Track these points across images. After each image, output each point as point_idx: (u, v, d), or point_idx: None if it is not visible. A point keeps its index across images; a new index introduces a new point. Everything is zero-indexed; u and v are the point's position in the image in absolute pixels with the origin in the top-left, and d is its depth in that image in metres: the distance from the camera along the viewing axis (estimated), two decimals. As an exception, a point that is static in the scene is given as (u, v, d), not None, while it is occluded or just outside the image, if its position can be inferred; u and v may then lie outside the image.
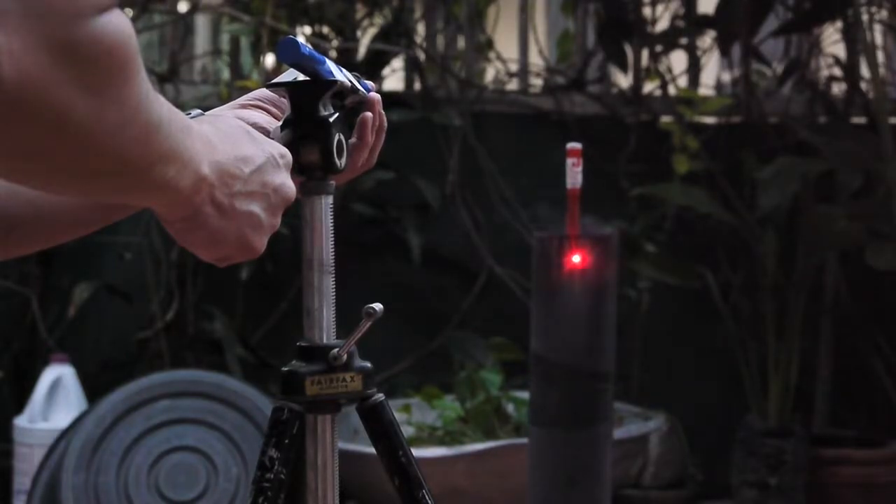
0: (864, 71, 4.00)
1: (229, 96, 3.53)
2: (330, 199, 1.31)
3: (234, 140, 1.11)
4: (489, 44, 4.20)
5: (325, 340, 1.31)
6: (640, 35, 4.15)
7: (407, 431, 3.45)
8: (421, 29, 4.17)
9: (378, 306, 1.28)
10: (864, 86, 4.08)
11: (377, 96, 1.34)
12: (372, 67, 3.93)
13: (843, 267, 4.00)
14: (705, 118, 4.11)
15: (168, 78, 3.91)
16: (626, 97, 4.14)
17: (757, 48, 4.11)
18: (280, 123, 1.29)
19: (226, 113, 1.30)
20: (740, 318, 3.92)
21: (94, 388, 3.53)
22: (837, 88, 4.18)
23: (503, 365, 3.71)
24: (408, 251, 3.89)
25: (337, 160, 1.28)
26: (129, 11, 3.81)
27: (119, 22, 0.84)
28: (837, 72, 4.17)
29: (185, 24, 4.05)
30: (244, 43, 4.06)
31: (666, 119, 4.08)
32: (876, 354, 4.05)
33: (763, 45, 4.13)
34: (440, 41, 4.18)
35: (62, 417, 3.46)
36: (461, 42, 4.19)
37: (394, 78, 4.27)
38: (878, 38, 4.17)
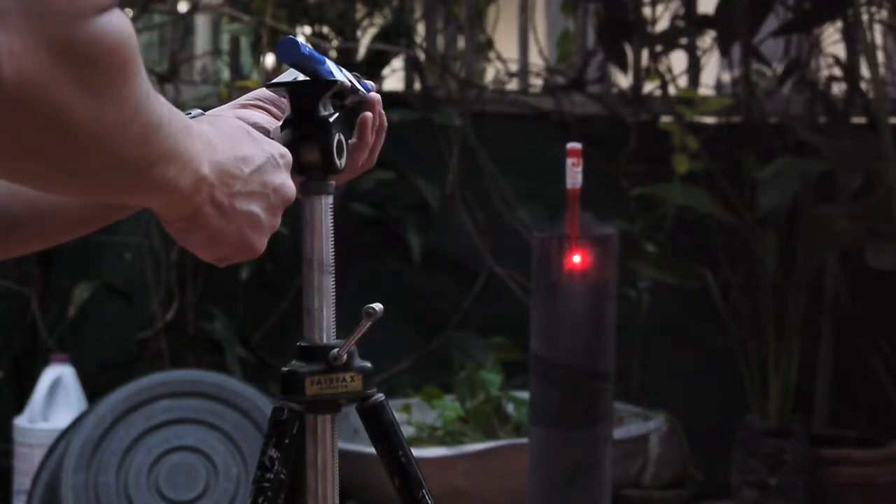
0: (864, 71, 4.00)
1: (229, 96, 3.53)
2: (330, 199, 1.31)
3: (234, 140, 1.11)
4: (489, 44, 4.20)
5: (325, 340, 1.31)
6: (640, 35, 4.15)
7: (407, 431, 3.45)
8: (421, 29, 4.17)
9: (378, 306, 1.28)
10: (864, 86, 4.08)
11: (377, 96, 1.34)
12: (372, 67, 3.93)
13: (843, 267, 4.00)
14: (705, 118, 4.11)
15: (168, 78, 3.91)
16: (626, 97, 4.14)
17: (757, 48, 4.11)
18: (280, 123, 1.29)
19: (226, 113, 1.30)
20: (740, 318, 3.92)
21: (94, 388, 3.53)
22: (837, 88, 4.18)
23: (503, 365, 3.71)
24: (408, 251, 3.89)
25: (337, 160, 1.28)
26: (129, 11, 3.80)
27: (119, 22, 0.84)
28: (837, 72, 4.17)
29: (185, 24, 4.05)
30: (244, 43, 4.06)
31: (666, 119, 4.08)
32: (876, 354, 4.05)
33: (763, 45, 4.13)
34: (440, 41, 4.18)
35: (62, 417, 3.46)
36: (461, 42, 4.19)
37: (394, 78, 4.27)
38: (878, 38, 4.17)
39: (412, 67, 4.11)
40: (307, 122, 1.28)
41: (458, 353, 3.82)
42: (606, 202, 3.72)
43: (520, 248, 3.72)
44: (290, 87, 1.29)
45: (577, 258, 2.67)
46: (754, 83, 4.15)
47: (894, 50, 4.45)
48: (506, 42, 4.26)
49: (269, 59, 3.89)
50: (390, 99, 3.06)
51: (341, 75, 1.29)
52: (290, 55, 1.24)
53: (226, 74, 4.12)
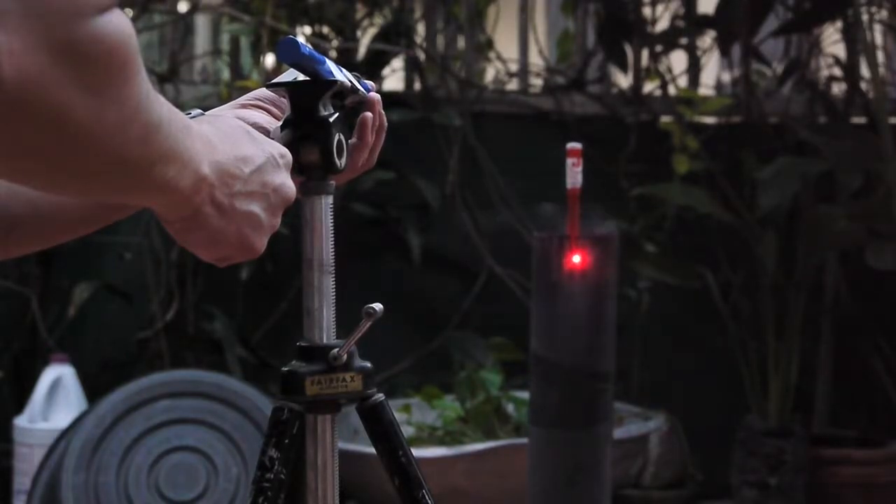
0: (864, 71, 4.00)
1: (229, 96, 3.53)
2: (330, 199, 1.31)
3: (234, 140, 1.11)
4: (489, 44, 4.20)
5: (325, 340, 1.31)
6: (640, 35, 4.15)
7: (407, 431, 3.45)
8: (421, 29, 4.17)
9: (378, 306, 1.28)
10: (864, 86, 4.08)
11: (377, 96, 1.34)
12: (372, 67, 3.93)
13: (843, 267, 4.00)
14: (705, 118, 4.11)
15: (168, 78, 3.91)
16: (626, 97, 4.14)
17: (757, 48, 4.11)
18: (280, 123, 1.29)
19: (226, 113, 1.30)
20: (740, 318, 3.92)
21: (94, 388, 3.53)
22: (837, 88, 4.18)
23: (503, 365, 3.71)
24: (408, 251, 3.89)
25: (337, 160, 1.28)
26: (129, 11, 3.80)
27: (119, 22, 0.84)
28: (837, 72, 4.17)
29: (185, 24, 4.04)
30: (244, 43, 4.05)
31: (666, 119, 4.08)
32: (876, 354, 4.05)
33: (763, 45, 4.13)
34: (440, 41, 4.18)
35: (62, 417, 3.46)
36: (461, 42, 4.19)
37: (394, 78, 4.27)
38: (878, 38, 4.17)
39: (412, 67, 4.11)
40: (307, 122, 1.28)
41: (458, 353, 3.82)
42: (606, 202, 3.72)
43: (520, 248, 3.72)
44: (290, 87, 1.29)
45: (577, 258, 2.66)
46: (754, 83, 4.15)
47: (894, 50, 4.45)
48: (506, 42, 4.26)
49: (269, 59, 3.89)
50: (390, 99, 3.07)
51: (341, 75, 1.29)
52: (290, 55, 1.24)
53: (226, 74, 4.12)
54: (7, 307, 3.82)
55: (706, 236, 3.93)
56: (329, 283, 1.31)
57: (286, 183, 1.16)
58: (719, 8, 4.03)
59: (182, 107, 1.04)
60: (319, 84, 1.27)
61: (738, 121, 4.11)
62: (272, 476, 1.28)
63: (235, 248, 1.13)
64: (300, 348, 1.32)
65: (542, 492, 2.74)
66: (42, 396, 3.52)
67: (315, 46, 1.84)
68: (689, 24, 4.14)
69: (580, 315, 2.70)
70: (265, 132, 1.24)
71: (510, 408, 3.64)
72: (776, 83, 4.21)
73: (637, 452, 3.56)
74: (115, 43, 0.84)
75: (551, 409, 2.74)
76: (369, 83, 1.35)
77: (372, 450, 1.33)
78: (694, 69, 4.20)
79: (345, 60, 3.83)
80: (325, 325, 1.31)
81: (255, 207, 1.12)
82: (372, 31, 4.09)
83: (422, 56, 4.09)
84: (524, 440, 2.98)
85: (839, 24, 4.11)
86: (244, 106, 1.34)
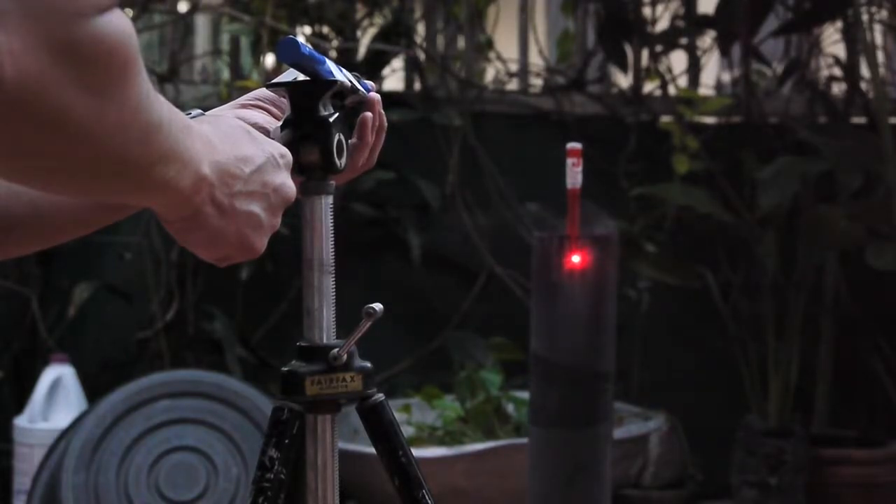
0: (864, 71, 4.00)
1: (229, 96, 3.53)
2: (330, 199, 1.31)
3: (234, 140, 1.11)
4: (489, 44, 4.20)
5: (325, 340, 1.31)
6: (640, 35, 4.15)
7: (407, 431, 3.45)
8: (421, 29, 4.17)
9: (378, 306, 1.28)
10: (864, 86, 4.08)
11: (377, 96, 1.34)
12: (372, 67, 3.93)
13: (843, 267, 4.00)
14: (705, 118, 4.11)
15: (168, 78, 3.91)
16: (626, 97, 4.14)
17: (757, 48, 4.11)
18: (280, 123, 1.29)
19: (226, 113, 1.30)
20: (740, 318, 3.92)
21: (94, 388, 3.53)
22: (837, 88, 4.18)
23: (503, 365, 3.71)
24: (408, 251, 3.89)
25: (337, 160, 1.28)
26: (129, 11, 3.80)
27: (119, 22, 0.84)
28: (837, 72, 4.17)
29: (185, 24, 4.04)
30: (244, 43, 4.05)
31: (666, 119, 4.08)
32: (876, 354, 4.05)
33: (763, 45, 4.13)
34: (440, 41, 4.18)
35: (62, 417, 3.46)
36: (461, 42, 4.19)
37: (394, 78, 4.27)
38: (878, 38, 4.17)
39: (412, 67, 4.11)
40: (307, 122, 1.28)
41: (458, 353, 3.82)
42: (606, 202, 3.72)
43: (520, 248, 3.72)
44: (290, 87, 1.29)
45: (576, 258, 2.66)
46: (754, 83, 4.15)
47: (894, 50, 4.45)
48: (506, 42, 4.26)
49: (269, 59, 3.89)
50: (390, 99, 3.07)
51: (341, 75, 1.29)
52: (290, 55, 1.24)
53: (226, 74, 4.12)
54: (7, 307, 3.82)
55: (706, 236, 3.93)
56: (329, 283, 1.31)
57: (286, 183, 1.16)
58: (719, 8, 4.03)
59: (182, 107, 1.04)
60: (319, 84, 1.27)
61: (738, 121, 4.11)
62: (272, 476, 1.28)
63: (235, 248, 1.13)
64: (300, 348, 1.32)
65: (542, 492, 2.74)
66: (42, 396, 3.52)
67: (315, 46, 1.84)
68: (689, 24, 4.14)
69: (580, 315, 2.70)
70: (265, 132, 1.24)
71: (510, 408, 3.64)
72: (776, 83, 4.21)
73: (637, 452, 3.56)
74: (115, 43, 0.84)
75: (551, 409, 2.74)
76: (369, 83, 1.35)
77: (372, 450, 1.33)
78: (694, 69, 4.20)
79: (345, 60, 3.83)
80: (325, 325, 1.31)
81: (256, 207, 1.12)
82: (372, 31, 4.09)
83: (422, 56, 4.09)
84: (524, 440, 2.98)
85: (839, 24, 4.11)
86: (244, 106, 1.34)
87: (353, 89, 1.31)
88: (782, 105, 4.11)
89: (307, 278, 1.31)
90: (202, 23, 4.38)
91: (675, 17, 4.15)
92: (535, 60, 4.25)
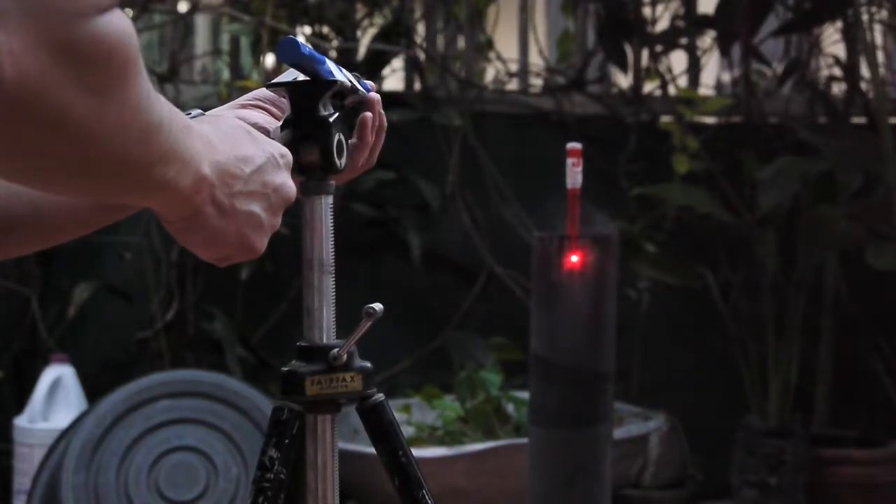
0: (864, 71, 4.00)
1: (229, 96, 3.53)
2: (330, 199, 1.31)
3: (234, 140, 1.11)
4: (489, 44, 4.20)
5: (325, 340, 1.31)
6: (640, 35, 4.15)
7: (407, 431, 3.45)
8: (421, 29, 4.17)
9: (378, 306, 1.28)
10: (864, 86, 4.08)
11: (377, 96, 1.34)
12: (372, 67, 3.93)
13: (843, 267, 4.00)
14: (705, 118, 4.11)
15: (168, 78, 3.91)
16: (626, 97, 4.14)
17: (757, 48, 4.11)
18: (280, 123, 1.29)
19: (226, 113, 1.30)
20: (740, 318, 3.92)
21: (94, 388, 3.53)
22: (837, 88, 4.18)
23: (503, 365, 3.71)
24: (408, 251, 3.89)
25: (337, 160, 1.28)
26: (129, 11, 3.80)
27: (120, 22, 0.84)
28: (837, 72, 4.17)
29: (185, 24, 4.04)
30: (244, 43, 4.05)
31: (666, 119, 4.08)
32: (876, 354, 4.05)
33: (763, 45, 4.13)
34: (440, 41, 4.18)
35: (62, 417, 3.46)
36: (461, 42, 4.19)
37: (394, 78, 4.27)
38: (878, 38, 4.17)
39: (412, 67, 4.11)
40: (307, 122, 1.28)
41: (458, 353, 3.82)
42: (606, 202, 3.72)
43: (520, 248, 3.72)
44: (290, 87, 1.29)
45: (575, 258, 2.66)
46: (754, 83, 4.15)
47: (894, 50, 4.45)
48: (506, 42, 4.26)
49: (269, 59, 3.89)
50: (390, 99, 3.07)
51: (341, 75, 1.29)
52: (290, 55, 1.24)
53: (226, 74, 4.12)
54: (7, 307, 3.82)
55: (706, 236, 3.93)
56: (329, 283, 1.31)
57: (286, 183, 1.16)
58: (719, 8, 4.03)
59: (182, 107, 1.04)
60: (319, 84, 1.27)
61: (738, 121, 4.11)
62: (272, 476, 1.28)
63: (236, 248, 1.13)
64: (300, 348, 1.32)
65: (542, 492, 2.74)
66: (42, 396, 3.52)
67: (315, 46, 1.84)
68: (689, 24, 4.14)
69: (580, 315, 2.70)
70: (265, 132, 1.24)
71: (510, 408, 3.64)
72: (776, 83, 4.21)
73: (637, 452, 3.56)
74: (115, 43, 0.84)
75: (551, 409, 2.74)
76: (369, 83, 1.35)
77: (372, 450, 1.33)
78: (694, 69, 4.20)
79: (345, 60, 3.83)
80: (325, 325, 1.31)
81: (256, 207, 1.12)
82: (372, 31, 4.09)
83: (422, 56, 4.09)
84: (524, 440, 2.98)
85: (839, 24, 4.11)
86: (244, 106, 1.34)
87: (353, 89, 1.31)
88: (782, 105, 4.11)
89: (307, 278, 1.31)
90: (202, 23, 4.39)
91: (675, 17, 4.15)
92: (535, 60, 4.25)
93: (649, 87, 4.18)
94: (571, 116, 4.06)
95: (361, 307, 1.28)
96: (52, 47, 0.80)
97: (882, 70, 3.97)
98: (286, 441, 1.29)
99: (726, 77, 4.39)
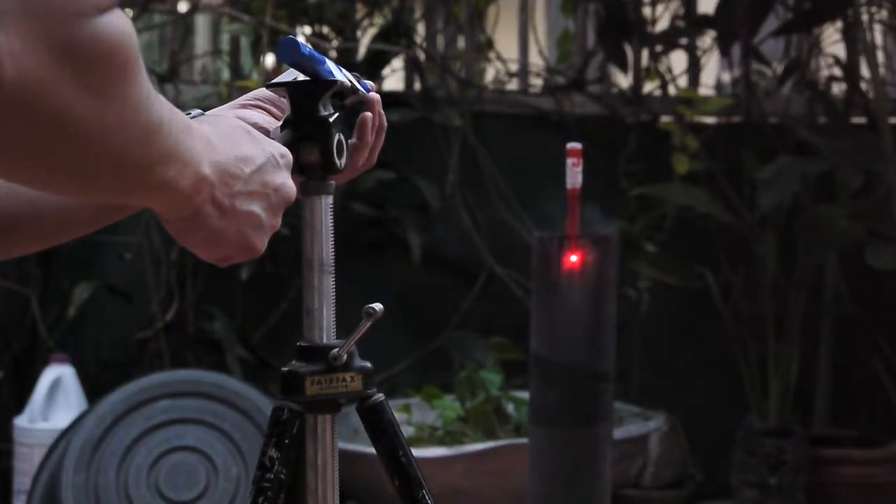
0: (864, 71, 4.00)
1: (229, 96, 3.53)
2: (330, 199, 1.31)
3: (234, 140, 1.11)
4: (489, 44, 4.20)
5: (325, 340, 1.31)
6: (640, 35, 4.15)
7: (407, 431, 3.45)
8: (421, 29, 4.17)
9: (378, 306, 1.28)
10: (864, 86, 4.08)
11: (377, 96, 1.34)
12: (372, 67, 3.93)
13: (843, 267, 4.00)
14: (705, 118, 4.11)
15: (168, 78, 3.91)
16: (626, 97, 4.14)
17: (757, 48, 4.11)
18: (280, 123, 1.29)
19: (226, 113, 1.30)
20: (740, 318, 3.92)
21: (94, 388, 3.53)
22: (837, 88, 4.18)
23: (503, 365, 3.71)
24: (408, 251, 3.89)
25: (337, 160, 1.28)
26: (129, 11, 3.80)
27: (120, 22, 0.84)
28: (837, 72, 4.17)
29: (185, 24, 4.04)
30: (244, 43, 4.05)
31: (666, 119, 4.08)
32: (876, 354, 4.05)
33: (763, 45, 4.13)
34: (440, 41, 4.18)
35: (62, 417, 3.46)
36: (461, 42, 4.19)
37: (394, 78, 4.27)
38: (878, 38, 4.17)
39: (412, 67, 4.11)
40: (307, 122, 1.28)
41: (458, 353, 3.82)
42: (606, 202, 3.72)
43: (520, 248, 3.72)
44: (290, 87, 1.29)
45: (575, 258, 2.66)
46: (754, 83, 4.15)
47: (894, 50, 4.45)
48: (506, 42, 4.26)
49: (269, 59, 3.89)
50: (390, 99, 3.07)
51: (341, 75, 1.29)
52: (290, 55, 1.24)
53: (226, 74, 4.12)
54: (7, 307, 3.82)
55: (706, 236, 3.93)
56: (329, 283, 1.31)
57: (286, 183, 1.16)
58: (719, 8, 4.03)
59: (182, 107, 1.04)
60: (319, 84, 1.27)
61: (738, 121, 4.11)
62: (272, 476, 1.28)
63: (236, 248, 1.13)
64: (300, 348, 1.32)
65: (542, 492, 2.74)
66: (42, 396, 3.52)
67: (315, 46, 1.84)
68: (689, 24, 4.14)
69: (580, 315, 2.70)
70: (265, 132, 1.24)
71: (510, 408, 3.64)
72: (776, 83, 4.21)
73: (637, 452, 3.56)
74: (115, 43, 0.84)
75: (551, 409, 2.74)
76: (369, 83, 1.35)
77: (372, 450, 1.33)
78: (694, 69, 4.20)
79: (345, 60, 3.83)
80: (325, 325, 1.31)
81: (256, 207, 1.12)
82: (372, 31, 4.09)
83: (422, 56, 4.09)
84: (524, 440, 2.98)
85: (839, 24, 4.11)
86: (244, 106, 1.34)
87: (353, 89, 1.31)
88: (782, 105, 4.11)
89: (307, 278, 1.31)
90: (202, 23, 4.38)
91: (675, 17, 4.15)
92: (535, 60, 4.25)
93: (649, 87, 4.18)
94: (571, 116, 4.06)
95: (361, 307, 1.28)
96: (52, 47, 0.80)
97: (882, 70, 3.97)
98: (286, 441, 1.29)
99: (726, 77, 4.39)
